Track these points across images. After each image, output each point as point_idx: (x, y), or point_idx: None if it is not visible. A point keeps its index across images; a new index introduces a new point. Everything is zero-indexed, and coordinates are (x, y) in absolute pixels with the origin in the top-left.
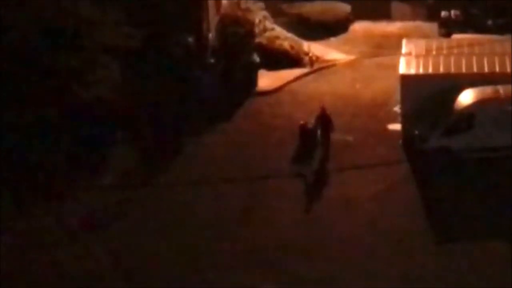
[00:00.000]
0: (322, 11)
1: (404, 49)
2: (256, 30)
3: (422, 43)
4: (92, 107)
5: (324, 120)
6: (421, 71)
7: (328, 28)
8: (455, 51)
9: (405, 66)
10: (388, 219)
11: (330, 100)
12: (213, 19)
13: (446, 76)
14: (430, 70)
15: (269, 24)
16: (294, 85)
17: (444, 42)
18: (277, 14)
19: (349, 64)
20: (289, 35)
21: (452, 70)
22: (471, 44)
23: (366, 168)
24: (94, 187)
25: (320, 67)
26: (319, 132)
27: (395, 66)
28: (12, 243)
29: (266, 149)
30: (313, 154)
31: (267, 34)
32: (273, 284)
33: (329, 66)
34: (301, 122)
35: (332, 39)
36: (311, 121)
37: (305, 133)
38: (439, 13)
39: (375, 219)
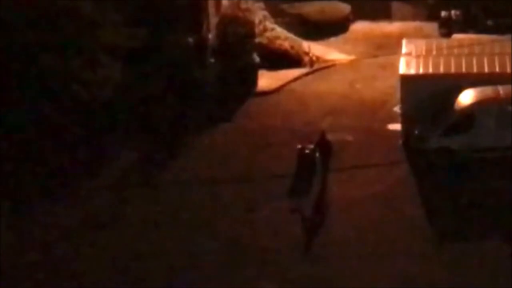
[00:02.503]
0: (322, 11)
1: (404, 49)
2: (256, 30)
3: (422, 43)
4: (92, 107)
5: (324, 146)
6: (421, 71)
7: (328, 28)
8: (455, 51)
9: (405, 66)
10: (388, 219)
11: (330, 100)
12: (213, 19)
13: (446, 76)
14: (430, 70)
15: (269, 24)
16: (294, 85)
17: (444, 42)
18: (277, 14)
19: (349, 64)
20: (289, 35)
21: (452, 70)
22: (471, 44)
23: (366, 168)
24: (94, 187)
25: (320, 67)
26: (318, 158)
27: (395, 66)
28: (12, 243)
29: (266, 149)
30: (311, 183)
31: (267, 34)
32: (273, 284)
33: (329, 66)
34: (299, 146)
35: (332, 39)
36: (310, 146)
37: (302, 159)
38: (439, 13)
39: (375, 219)
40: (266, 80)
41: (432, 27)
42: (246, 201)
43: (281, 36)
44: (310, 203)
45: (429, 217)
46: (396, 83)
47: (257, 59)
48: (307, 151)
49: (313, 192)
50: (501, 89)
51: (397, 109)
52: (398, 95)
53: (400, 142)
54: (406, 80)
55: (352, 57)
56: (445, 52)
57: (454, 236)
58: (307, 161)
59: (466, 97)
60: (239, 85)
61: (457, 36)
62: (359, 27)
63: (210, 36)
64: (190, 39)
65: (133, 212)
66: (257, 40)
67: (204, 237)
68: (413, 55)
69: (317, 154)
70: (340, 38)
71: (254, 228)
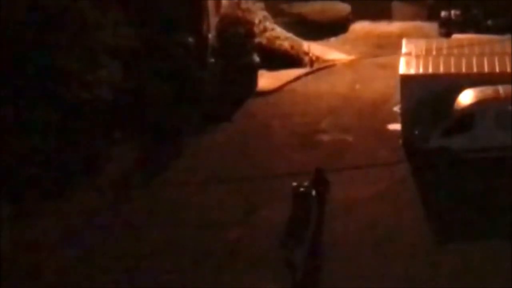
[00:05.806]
0: (322, 11)
1: (404, 49)
2: (256, 30)
3: (422, 43)
4: (92, 107)
5: (320, 183)
6: (421, 71)
7: (328, 28)
8: (455, 51)
9: (405, 66)
10: (388, 219)
11: (330, 100)
12: (213, 19)
13: (446, 76)
14: (430, 70)
15: (269, 24)
16: (294, 85)
17: (444, 42)
18: (277, 14)
19: (349, 64)
20: (289, 35)
21: (452, 70)
22: (471, 44)
23: (366, 168)
24: (94, 187)
25: (320, 67)
26: (314, 196)
27: (395, 66)
28: (12, 244)
29: (266, 149)
30: (307, 226)
31: (267, 34)
32: (275, 285)
33: (329, 66)
34: (294, 184)
35: (332, 39)
36: (305, 183)
37: (298, 198)
38: (439, 13)
39: (375, 219)
40: (266, 80)
41: (432, 27)
42: (246, 201)
43: (281, 36)
44: (304, 253)
45: (429, 217)
46: (396, 83)
47: (257, 59)
48: (302, 189)
49: (307, 239)
50: (501, 89)
51: (397, 109)
52: (398, 95)
53: (400, 142)
54: (406, 80)
55: (352, 57)
56: (445, 52)
57: (454, 236)
58: (302, 201)
59: (466, 97)
60: (239, 85)
61: (457, 36)
62: (359, 27)
63: (210, 36)
64: (190, 39)
65: (133, 212)
66: (257, 40)
67: (204, 237)
68: (413, 55)
69: (313, 193)
70: (340, 38)
71: (254, 228)
